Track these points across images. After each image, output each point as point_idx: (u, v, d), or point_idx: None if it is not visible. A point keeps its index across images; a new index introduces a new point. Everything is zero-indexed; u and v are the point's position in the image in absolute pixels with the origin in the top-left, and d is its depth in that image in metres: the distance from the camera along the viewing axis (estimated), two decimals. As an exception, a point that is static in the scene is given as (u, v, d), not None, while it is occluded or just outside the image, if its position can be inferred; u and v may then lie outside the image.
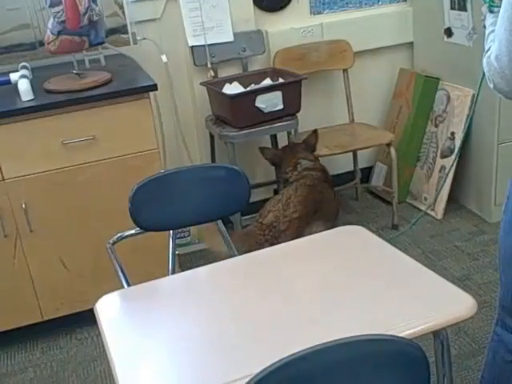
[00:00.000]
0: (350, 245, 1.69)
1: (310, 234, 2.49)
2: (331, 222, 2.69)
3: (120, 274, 1.77)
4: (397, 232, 3.37)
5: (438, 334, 1.35)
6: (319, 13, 3.50)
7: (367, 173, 3.84)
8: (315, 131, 3.07)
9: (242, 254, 1.90)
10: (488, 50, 1.49)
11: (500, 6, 1.46)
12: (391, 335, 1.11)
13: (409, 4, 3.64)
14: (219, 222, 2.04)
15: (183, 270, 2.87)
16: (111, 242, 1.89)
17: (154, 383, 1.27)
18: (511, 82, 1.42)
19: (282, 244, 1.80)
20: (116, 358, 1.30)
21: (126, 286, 1.75)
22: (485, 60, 1.49)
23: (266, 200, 3.56)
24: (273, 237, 2.43)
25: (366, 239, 1.70)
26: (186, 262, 3.21)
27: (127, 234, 1.94)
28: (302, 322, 1.37)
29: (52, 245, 2.60)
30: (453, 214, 3.42)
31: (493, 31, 1.49)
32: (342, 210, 2.88)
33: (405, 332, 1.25)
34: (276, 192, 3.67)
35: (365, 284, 1.48)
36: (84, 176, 2.53)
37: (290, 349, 1.06)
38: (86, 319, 2.71)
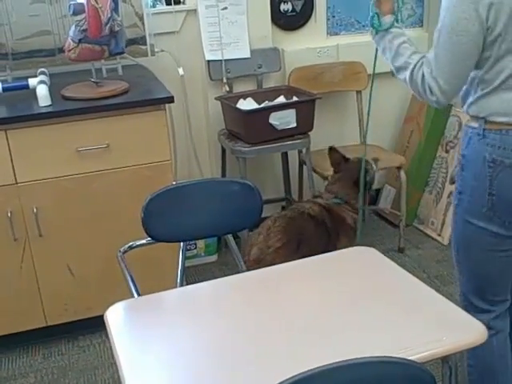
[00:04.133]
0: (361, 266, 1.69)
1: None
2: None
3: (130, 283, 1.78)
4: (403, 255, 3.37)
5: (447, 360, 1.35)
6: (336, 34, 3.53)
7: (376, 195, 3.84)
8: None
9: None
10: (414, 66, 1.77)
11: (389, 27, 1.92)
12: (402, 358, 1.12)
13: (425, 29, 3.67)
14: (229, 236, 2.05)
15: (188, 283, 2.89)
16: (122, 250, 1.90)
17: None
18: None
19: (292, 262, 1.80)
20: (125, 365, 1.30)
21: (135, 295, 1.75)
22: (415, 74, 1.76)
23: (275, 216, 3.60)
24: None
25: (377, 261, 1.70)
26: (190, 275, 3.21)
27: (138, 243, 1.94)
28: (311, 342, 1.37)
29: (60, 251, 2.60)
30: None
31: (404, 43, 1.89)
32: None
33: (414, 356, 1.25)
34: (283, 209, 3.68)
35: (375, 305, 1.49)
36: (96, 184, 2.55)
37: (296, 369, 1.07)
38: (89, 327, 2.74)
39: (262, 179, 3.51)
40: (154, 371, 1.32)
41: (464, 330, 1.35)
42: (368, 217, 3.79)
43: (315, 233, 2.61)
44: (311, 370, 1.07)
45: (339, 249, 2.60)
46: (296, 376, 1.06)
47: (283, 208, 3.68)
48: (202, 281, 3.12)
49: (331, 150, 2.90)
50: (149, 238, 1.92)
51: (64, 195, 2.52)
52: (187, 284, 2.80)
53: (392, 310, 1.47)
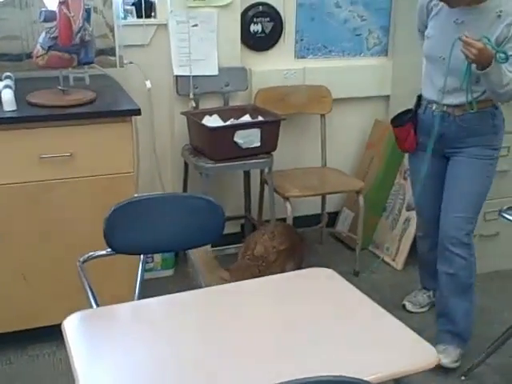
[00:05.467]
0: (318, 286, 1.72)
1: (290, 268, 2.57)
2: (299, 265, 2.75)
3: (89, 293, 1.77)
4: (358, 279, 3.42)
5: (399, 382, 1.39)
6: (303, 57, 3.60)
7: (333, 217, 3.90)
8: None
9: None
10: None
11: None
12: (358, 378, 1.14)
13: (389, 58, 3.77)
14: (190, 252, 2.06)
15: (143, 297, 2.88)
16: (81, 260, 1.89)
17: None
18: None
19: (250, 280, 1.82)
20: (81, 376, 1.29)
21: (94, 305, 1.74)
22: None
23: (233, 234, 3.62)
24: (265, 267, 2.47)
25: (334, 282, 1.74)
26: (146, 289, 3.17)
27: (98, 254, 1.94)
28: (265, 361, 1.39)
29: (16, 258, 2.57)
30: (413, 267, 3.48)
31: None
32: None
33: (368, 377, 1.28)
34: (243, 227, 3.71)
35: (331, 326, 1.52)
36: (57, 192, 2.53)
37: None
38: (41, 336, 2.69)
39: (223, 196, 3.53)
40: (110, 382, 1.32)
41: (417, 353, 1.39)
42: (326, 238, 3.84)
43: (301, 246, 2.77)
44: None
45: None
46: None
47: (242, 226, 3.71)
48: (157, 295, 3.13)
49: None
50: (109, 249, 1.91)
51: (24, 202, 2.50)
52: (143, 297, 2.80)
53: (347, 331, 1.50)
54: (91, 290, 1.79)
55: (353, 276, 3.44)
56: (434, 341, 2.80)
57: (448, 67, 2.44)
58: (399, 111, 2.87)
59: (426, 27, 2.64)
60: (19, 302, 2.63)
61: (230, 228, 3.61)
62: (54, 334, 2.69)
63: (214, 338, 1.49)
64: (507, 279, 3.09)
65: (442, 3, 2.48)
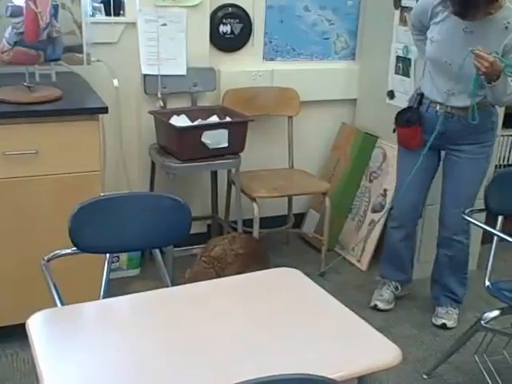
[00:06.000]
0: (284, 286, 1.74)
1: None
2: None
3: (54, 291, 1.75)
4: (323, 279, 3.45)
5: (362, 380, 1.41)
6: (271, 59, 3.62)
7: (300, 218, 3.92)
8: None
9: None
10: None
11: None
12: (323, 376, 1.16)
13: (357, 62, 3.81)
14: (157, 251, 2.05)
15: (109, 296, 2.85)
16: (46, 258, 1.87)
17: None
18: None
19: (216, 280, 1.83)
20: (46, 375, 1.28)
21: (59, 304, 1.72)
22: None
23: (200, 234, 3.62)
24: (220, 269, 2.47)
25: (299, 282, 1.75)
26: (112, 288, 3.15)
27: (63, 252, 1.92)
28: (231, 360, 1.40)
29: (-24, 256, 2.53)
30: (377, 267, 3.53)
31: None
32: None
33: (333, 375, 1.29)
34: (209, 227, 3.71)
35: (296, 325, 1.53)
36: (22, 189, 2.49)
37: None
38: (2, 336, 2.65)
39: (190, 196, 3.52)
40: (75, 381, 1.31)
41: (380, 352, 1.41)
42: (292, 240, 3.86)
43: (263, 257, 2.78)
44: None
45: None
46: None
47: (209, 226, 3.71)
48: (123, 294, 3.10)
49: None
50: (74, 248, 1.89)
51: (-13, 199, 2.46)
52: (109, 297, 2.78)
53: (312, 330, 1.52)
54: (56, 288, 1.76)
55: (318, 277, 3.47)
56: (395, 342, 2.86)
57: (458, 73, 2.59)
58: (401, 109, 2.94)
59: (426, 27, 2.76)
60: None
61: (197, 228, 3.61)
62: (16, 334, 2.67)
63: (178, 337, 1.49)
64: (468, 283, 3.16)
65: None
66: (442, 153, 2.97)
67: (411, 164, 2.88)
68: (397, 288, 3.22)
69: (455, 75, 2.62)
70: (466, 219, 2.52)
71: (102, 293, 1.95)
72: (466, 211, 2.54)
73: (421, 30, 2.82)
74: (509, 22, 2.55)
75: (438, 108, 2.78)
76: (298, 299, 1.67)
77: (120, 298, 1.62)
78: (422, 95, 2.85)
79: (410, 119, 2.85)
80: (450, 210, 2.92)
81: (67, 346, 1.43)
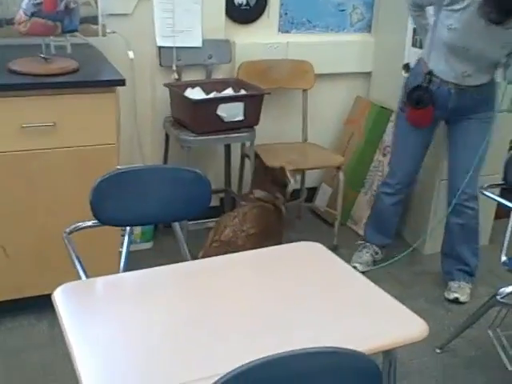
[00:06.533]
0: (306, 259, 1.74)
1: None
2: None
3: (77, 264, 1.76)
4: (335, 254, 3.44)
5: (388, 354, 1.42)
6: (287, 31, 3.58)
7: (312, 193, 3.92)
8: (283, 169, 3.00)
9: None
10: None
11: None
12: (350, 349, 1.16)
13: (372, 35, 3.77)
14: (176, 224, 2.06)
15: (127, 269, 2.87)
16: (68, 231, 1.87)
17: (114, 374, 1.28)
18: None
19: (238, 254, 1.83)
20: (75, 345, 1.30)
21: (83, 275, 1.73)
22: None
23: (214, 208, 3.62)
24: (233, 252, 2.45)
25: (322, 256, 1.76)
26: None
27: (85, 225, 1.92)
28: (252, 334, 1.40)
29: (-5, 228, 2.54)
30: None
31: None
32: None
33: (358, 348, 1.30)
34: (222, 200, 3.71)
35: (321, 300, 1.54)
36: (39, 162, 2.50)
37: (245, 357, 1.09)
38: (19, 308, 2.68)
39: (203, 169, 3.43)
40: (102, 351, 1.33)
41: (406, 326, 1.42)
42: (304, 214, 3.86)
43: (275, 228, 2.75)
44: (258, 359, 1.10)
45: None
46: (243, 366, 1.08)
47: (222, 200, 3.71)
48: (136, 268, 3.12)
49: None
50: (95, 221, 1.90)
51: (5, 171, 2.46)
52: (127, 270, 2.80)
53: (337, 303, 1.53)
54: (79, 260, 1.77)
55: (331, 251, 3.47)
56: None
57: (475, 57, 2.69)
58: (409, 89, 2.92)
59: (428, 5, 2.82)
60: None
61: (212, 201, 3.61)
62: (33, 306, 2.69)
63: (199, 311, 1.49)
64: (480, 255, 3.16)
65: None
66: (441, 123, 3.03)
67: (413, 137, 3.00)
68: (376, 253, 3.34)
69: (473, 58, 2.70)
70: (483, 193, 2.52)
71: (122, 265, 1.96)
72: (485, 186, 2.53)
73: (422, 6, 2.86)
74: None
75: (450, 86, 2.82)
76: (320, 273, 1.67)
77: (142, 271, 1.63)
78: (430, 73, 2.84)
79: (421, 99, 2.85)
80: (462, 176, 2.94)
81: (93, 318, 1.44)
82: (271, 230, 2.74)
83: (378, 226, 3.32)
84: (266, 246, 2.67)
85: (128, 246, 1.99)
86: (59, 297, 1.46)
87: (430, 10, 2.83)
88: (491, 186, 2.55)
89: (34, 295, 2.62)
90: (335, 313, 1.48)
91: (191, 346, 1.35)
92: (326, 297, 1.55)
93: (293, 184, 2.96)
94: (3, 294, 2.65)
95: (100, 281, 1.58)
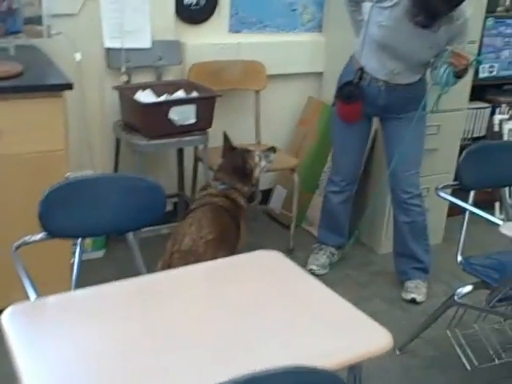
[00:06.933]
0: (266, 270, 1.69)
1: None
2: (229, 252, 2.64)
3: (26, 281, 1.66)
4: (292, 257, 3.40)
5: (353, 368, 1.38)
6: (237, 31, 3.53)
7: (266, 195, 3.88)
8: (270, 149, 2.92)
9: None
10: None
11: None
12: (314, 367, 1.12)
13: (323, 35, 3.75)
14: (130, 234, 1.98)
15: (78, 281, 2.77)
16: (14, 246, 1.77)
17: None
18: None
19: (195, 265, 1.77)
20: (24, 372, 1.21)
21: (33, 294, 1.64)
22: None
23: (167, 212, 3.52)
24: (195, 261, 2.36)
25: (281, 265, 1.71)
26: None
27: (33, 239, 1.82)
28: (219, 349, 1.34)
29: None
30: (345, 243, 3.53)
31: None
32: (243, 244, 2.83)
33: (325, 364, 1.26)
34: (175, 205, 3.64)
35: (282, 311, 1.49)
36: (-18, 171, 2.38)
37: (203, 379, 1.04)
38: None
39: (156, 173, 3.43)
40: (55, 377, 1.25)
41: (371, 338, 1.38)
42: (259, 216, 3.82)
43: (231, 225, 2.66)
44: (232, 379, 1.05)
45: (241, 235, 2.72)
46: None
47: (175, 204, 3.64)
48: (88, 277, 3.00)
49: (225, 136, 2.92)
50: (44, 233, 1.81)
51: None
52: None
53: (298, 316, 1.48)
54: (28, 277, 1.68)
55: (287, 254, 3.43)
56: (371, 316, 2.85)
57: (403, 56, 2.74)
58: (340, 85, 2.97)
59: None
60: None
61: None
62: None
63: (159, 328, 1.43)
64: (432, 253, 3.19)
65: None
66: (374, 119, 3.07)
67: (349, 134, 3.04)
68: (333, 254, 3.33)
69: (402, 57, 2.74)
70: (438, 194, 2.52)
71: (74, 278, 1.88)
72: (440, 187, 2.53)
73: (358, 2, 2.87)
74: (457, 17, 2.61)
75: (380, 84, 2.84)
76: (280, 284, 1.62)
77: (93, 288, 1.54)
78: (362, 70, 2.86)
79: (351, 95, 2.88)
80: (400, 174, 2.96)
81: (43, 341, 1.36)
82: (229, 230, 2.67)
83: (329, 227, 3.31)
84: (225, 248, 2.65)
85: (80, 259, 1.90)
86: (7, 320, 1.37)
87: (367, 6, 2.81)
88: (445, 187, 2.55)
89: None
90: (297, 326, 1.43)
91: (145, 366, 1.29)
92: (286, 309, 1.50)
93: (265, 165, 2.89)
94: None
95: (50, 300, 1.49)
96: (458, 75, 2.68)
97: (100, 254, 3.31)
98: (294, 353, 1.33)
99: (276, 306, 1.52)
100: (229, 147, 2.90)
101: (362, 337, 1.39)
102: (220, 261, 1.76)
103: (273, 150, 2.93)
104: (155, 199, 1.92)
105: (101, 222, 1.87)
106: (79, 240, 1.90)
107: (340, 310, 1.51)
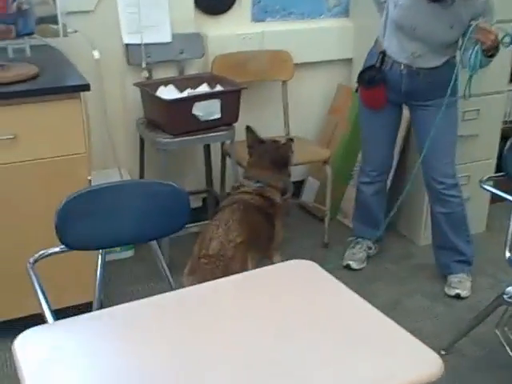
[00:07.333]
0: (301, 284, 1.53)
1: (250, 261, 2.33)
2: (261, 253, 2.52)
3: (42, 299, 1.56)
4: (327, 251, 3.30)
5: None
6: (261, 20, 3.39)
7: (298, 187, 3.75)
8: (290, 140, 2.83)
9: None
10: None
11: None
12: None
13: (350, 20, 3.58)
14: (154, 243, 1.87)
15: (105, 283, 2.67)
16: (32, 261, 1.67)
17: None
18: None
19: (224, 279, 1.62)
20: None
21: (48, 313, 1.54)
22: None
23: (196, 209, 3.45)
24: (223, 266, 2.25)
25: (318, 278, 1.55)
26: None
27: (50, 251, 1.73)
28: (250, 373, 1.22)
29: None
30: (383, 235, 3.38)
31: None
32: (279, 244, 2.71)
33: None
34: (204, 201, 3.53)
35: (319, 334, 1.33)
36: (2, 178, 2.29)
37: None
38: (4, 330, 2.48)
39: (183, 170, 3.35)
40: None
41: (417, 363, 1.23)
42: (292, 210, 3.69)
43: (264, 225, 2.55)
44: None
45: (277, 233, 2.61)
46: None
47: (204, 200, 3.53)
48: (118, 278, 2.90)
49: (248, 129, 2.78)
50: (63, 246, 1.71)
51: (-37, 191, 2.26)
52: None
53: (335, 339, 1.31)
54: (44, 295, 1.57)
55: (322, 248, 3.32)
56: (407, 315, 2.73)
57: (425, 37, 2.60)
58: (362, 69, 2.87)
59: None
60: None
61: (192, 203, 3.39)
62: (8, 330, 2.50)
63: (194, 348, 1.31)
64: (476, 244, 3.02)
65: None
66: (405, 106, 2.92)
67: (376, 121, 2.90)
68: (370, 248, 3.19)
69: (421, 38, 2.61)
70: (483, 187, 2.36)
71: (97, 293, 1.78)
72: (484, 179, 2.37)
73: None
74: None
75: (402, 68, 2.70)
76: (314, 300, 1.45)
77: (118, 306, 1.43)
78: (384, 53, 2.74)
79: (373, 79, 2.77)
80: (433, 164, 2.82)
81: (60, 369, 1.25)
82: (260, 229, 2.54)
83: (364, 220, 3.18)
84: (258, 249, 2.52)
85: (102, 271, 1.80)
86: (20, 347, 1.27)
87: None
88: (490, 179, 2.38)
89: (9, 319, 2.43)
90: (331, 351, 1.28)
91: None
92: (323, 329, 1.34)
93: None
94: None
95: (69, 323, 1.38)
96: (489, 54, 2.51)
97: (129, 253, 3.22)
98: (332, 379, 1.19)
99: (311, 325, 1.37)
100: (257, 141, 2.77)
101: (405, 362, 1.24)
102: (251, 273, 1.63)
103: (292, 140, 2.86)
104: (178, 205, 1.80)
105: (122, 232, 1.76)
106: (100, 252, 1.79)
107: (381, 331, 1.35)
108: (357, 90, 2.94)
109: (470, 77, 2.59)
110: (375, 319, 1.37)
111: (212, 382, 1.21)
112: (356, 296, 1.45)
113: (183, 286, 2.24)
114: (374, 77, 2.75)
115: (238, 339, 1.33)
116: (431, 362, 1.23)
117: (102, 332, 1.37)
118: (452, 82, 2.60)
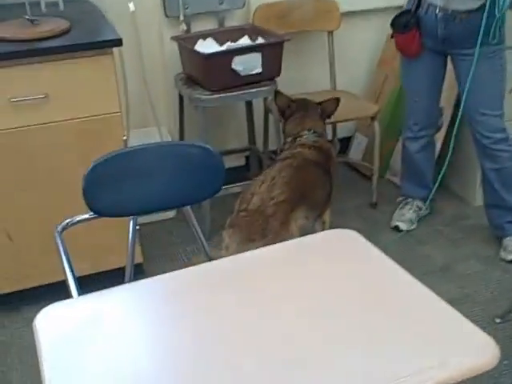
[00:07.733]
0: (341, 257, 1.40)
1: (295, 221, 2.23)
2: (316, 211, 2.41)
3: (68, 271, 1.48)
4: (375, 211, 3.15)
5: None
6: (305, -34, 3.18)
7: (345, 143, 3.59)
8: (337, 100, 2.74)
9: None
10: None
11: None
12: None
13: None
14: (188, 209, 1.77)
15: (142, 244, 2.59)
16: (59, 229, 1.60)
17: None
18: None
19: (258, 250, 1.50)
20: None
21: (73, 285, 1.46)
22: None
23: (238, 167, 3.34)
24: (263, 222, 2.15)
25: (360, 249, 1.42)
26: (146, 236, 2.89)
27: (78, 219, 1.65)
28: (284, 361, 1.10)
29: (-4, 215, 2.30)
30: (435, 195, 3.20)
31: None
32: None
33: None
34: (247, 159, 3.42)
35: (361, 312, 1.20)
36: (34, 139, 2.22)
37: None
38: (34, 296, 2.45)
39: (224, 127, 3.24)
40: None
41: (471, 349, 1.09)
42: (338, 168, 3.54)
43: (320, 179, 2.48)
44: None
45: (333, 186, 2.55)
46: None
47: (247, 158, 3.41)
48: (159, 240, 2.82)
49: (277, 93, 2.71)
50: (92, 213, 1.62)
51: (-3, 152, 2.20)
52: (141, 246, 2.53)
53: (379, 319, 1.19)
54: (70, 265, 1.49)
55: (370, 209, 3.17)
56: (459, 280, 2.58)
57: None
58: (398, 13, 2.72)
59: None
60: (6, 263, 2.40)
61: (234, 161, 3.33)
62: (48, 293, 2.47)
63: (215, 327, 1.20)
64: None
65: None
66: (449, 57, 2.72)
67: (414, 70, 2.77)
68: (420, 208, 3.03)
69: None
70: None
71: (129, 262, 1.69)
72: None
73: None
74: None
75: (437, 11, 2.52)
76: (360, 275, 1.32)
77: (148, 280, 1.33)
78: None
79: (407, 24, 2.60)
80: (477, 117, 2.64)
81: (80, 348, 1.16)
82: (315, 187, 2.44)
83: (412, 178, 3.02)
84: (308, 207, 2.40)
85: (133, 240, 1.71)
86: (41, 324, 1.19)
87: None
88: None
89: (46, 283, 2.40)
90: (375, 334, 1.15)
91: (204, 374, 1.08)
92: (363, 309, 1.21)
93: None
94: (16, 284, 2.44)
95: (92, 299, 1.29)
96: None
97: (171, 214, 3.13)
98: (372, 368, 1.07)
99: (352, 302, 1.24)
100: (289, 101, 2.72)
101: (458, 348, 1.09)
102: (288, 243, 1.50)
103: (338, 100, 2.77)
104: (212, 169, 1.68)
105: (154, 197, 1.67)
106: (131, 220, 1.70)
107: (430, 311, 1.20)
108: (392, 36, 2.77)
109: (498, 18, 2.37)
110: (422, 296, 1.23)
111: (257, 358, 1.11)
112: (403, 271, 1.31)
113: (223, 240, 2.19)
114: (409, 21, 2.60)
115: (272, 319, 1.22)
116: (487, 348, 1.08)
117: (130, 305, 1.29)
118: (482, 28, 2.39)
